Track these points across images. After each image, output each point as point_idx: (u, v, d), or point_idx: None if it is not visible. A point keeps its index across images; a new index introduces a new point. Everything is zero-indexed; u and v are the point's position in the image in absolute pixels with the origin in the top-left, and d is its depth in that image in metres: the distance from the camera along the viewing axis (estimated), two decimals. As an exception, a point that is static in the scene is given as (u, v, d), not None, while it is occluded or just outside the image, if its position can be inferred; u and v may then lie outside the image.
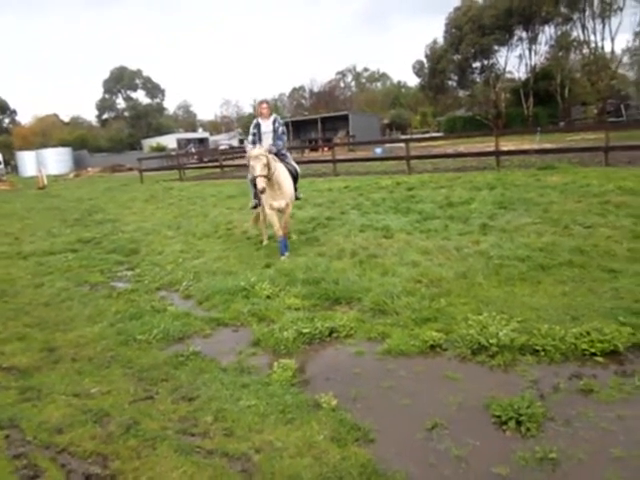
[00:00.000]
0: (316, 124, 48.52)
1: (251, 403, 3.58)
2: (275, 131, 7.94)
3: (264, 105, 8.05)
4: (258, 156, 6.98)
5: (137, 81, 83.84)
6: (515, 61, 79.94)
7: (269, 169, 7.14)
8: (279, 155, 7.83)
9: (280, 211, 7.67)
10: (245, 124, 65.74)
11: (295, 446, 3.07)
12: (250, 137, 8.06)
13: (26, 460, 3.13)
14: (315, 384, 3.91)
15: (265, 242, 8.57)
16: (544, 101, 47.31)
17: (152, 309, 5.84)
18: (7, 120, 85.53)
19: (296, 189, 8.27)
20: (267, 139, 7.91)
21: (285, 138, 8.15)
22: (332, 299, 5.58)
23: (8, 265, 9.06)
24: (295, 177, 8.11)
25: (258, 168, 6.96)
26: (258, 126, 8.01)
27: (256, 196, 7.98)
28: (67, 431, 3.41)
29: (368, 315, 5.12)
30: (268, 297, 5.81)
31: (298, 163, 8.77)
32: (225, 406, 3.57)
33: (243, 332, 5.09)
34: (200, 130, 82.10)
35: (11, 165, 60.19)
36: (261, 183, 6.97)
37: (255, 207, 8.18)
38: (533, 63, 49.35)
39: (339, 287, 5.76)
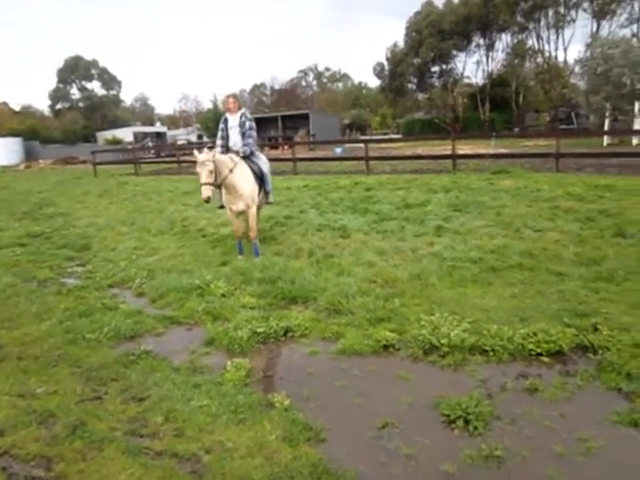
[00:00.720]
0: (277, 122, 48.31)
1: (203, 403, 3.54)
2: (241, 126, 7.53)
3: (231, 100, 7.67)
4: (204, 162, 6.60)
5: (93, 71, 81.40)
6: (473, 67, 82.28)
7: (216, 176, 6.75)
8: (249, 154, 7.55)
9: (241, 214, 7.44)
10: (203, 120, 64.77)
11: (246, 446, 3.05)
12: (219, 132, 7.76)
13: (-36, 464, 3.00)
14: (269, 384, 3.90)
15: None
16: (500, 107, 48.65)
17: (103, 306, 5.69)
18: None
19: (267, 191, 7.89)
20: (234, 134, 7.62)
21: (254, 134, 7.63)
22: (288, 298, 5.57)
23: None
24: (261, 177, 7.64)
25: (203, 176, 6.58)
26: (226, 121, 7.69)
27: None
28: (10, 433, 3.28)
29: (323, 315, 5.15)
30: (223, 295, 5.76)
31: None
32: (176, 406, 3.52)
33: (197, 331, 5.03)
34: (158, 124, 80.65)
35: (-44, 154, 57.47)
36: (206, 192, 6.56)
37: (222, 207, 7.68)
38: (490, 69, 50.81)
39: (295, 286, 5.75)
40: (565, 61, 45.06)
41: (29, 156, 52.64)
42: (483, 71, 51.37)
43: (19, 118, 74.81)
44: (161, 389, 3.79)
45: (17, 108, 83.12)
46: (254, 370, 4.10)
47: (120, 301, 5.96)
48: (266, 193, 7.90)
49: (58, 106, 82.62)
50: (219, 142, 7.70)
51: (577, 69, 35.83)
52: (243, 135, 7.55)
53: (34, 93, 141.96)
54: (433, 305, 5.06)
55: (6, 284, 6.88)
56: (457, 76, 52.43)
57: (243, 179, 7.19)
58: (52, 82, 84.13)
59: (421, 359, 4.16)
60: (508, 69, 49.26)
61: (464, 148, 22.91)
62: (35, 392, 3.86)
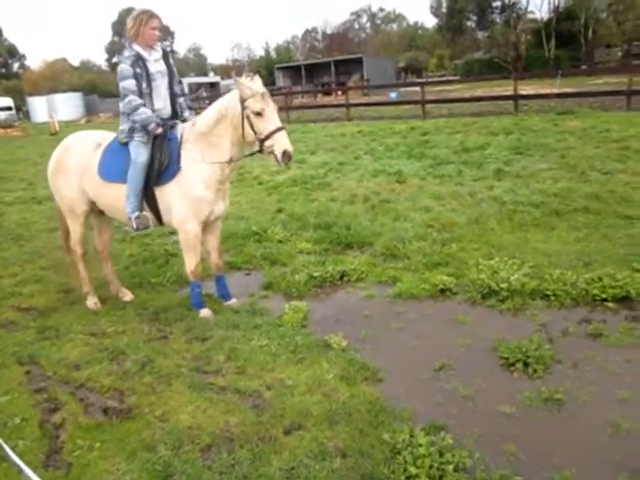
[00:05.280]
0: (329, 68, 47.38)
1: (262, 343, 3.65)
2: (171, 73, 4.25)
3: (155, 22, 4.03)
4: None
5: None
6: (538, 0, 76.97)
7: None
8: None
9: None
10: (256, 68, 64.16)
11: (305, 384, 3.14)
12: (129, 82, 3.92)
13: (46, 394, 3.25)
14: (325, 326, 3.96)
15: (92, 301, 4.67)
16: (567, 43, 45.45)
17: (165, 252, 5.89)
18: (16, 65, 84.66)
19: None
20: (160, 88, 4.15)
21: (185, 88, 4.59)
22: (344, 244, 5.59)
23: (23, 210, 9.14)
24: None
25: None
26: (142, 62, 4.01)
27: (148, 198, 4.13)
28: (85, 368, 3.52)
29: (379, 259, 5.15)
30: (280, 241, 5.84)
31: (310, 108, 8.23)
32: (237, 346, 3.64)
33: (255, 275, 5.15)
34: (211, 74, 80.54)
35: (22, 111, 59.80)
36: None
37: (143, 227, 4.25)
38: (557, 2, 47.26)
39: (351, 232, 5.76)
40: (642, -11, 41.40)
41: (89, 110, 54.16)
42: (549, 4, 48.01)
43: (78, 73, 76.90)
44: (222, 330, 3.93)
45: (76, 63, 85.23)
46: (311, 312, 4.18)
47: (181, 247, 6.14)
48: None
49: (114, 59, 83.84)
50: (140, 102, 3.95)
51: (655, -3, 32.99)
52: (172, 89, 4.26)
53: (91, 48, 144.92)
54: (492, 249, 4.95)
55: (75, 232, 7.20)
56: (521, 11, 49.16)
57: None
58: (108, 36, 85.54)
59: (479, 303, 4.11)
60: (577, 1, 45.76)
61: (527, 88, 21.72)
62: (106, 331, 4.10)
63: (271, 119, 3.73)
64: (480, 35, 54.68)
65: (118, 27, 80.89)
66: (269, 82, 55.63)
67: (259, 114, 3.70)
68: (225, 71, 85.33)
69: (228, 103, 3.88)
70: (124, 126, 4.06)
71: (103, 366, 3.51)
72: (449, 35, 55.99)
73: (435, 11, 58.36)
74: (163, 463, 2.53)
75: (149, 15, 4.02)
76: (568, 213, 5.83)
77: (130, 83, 3.92)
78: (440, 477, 2.32)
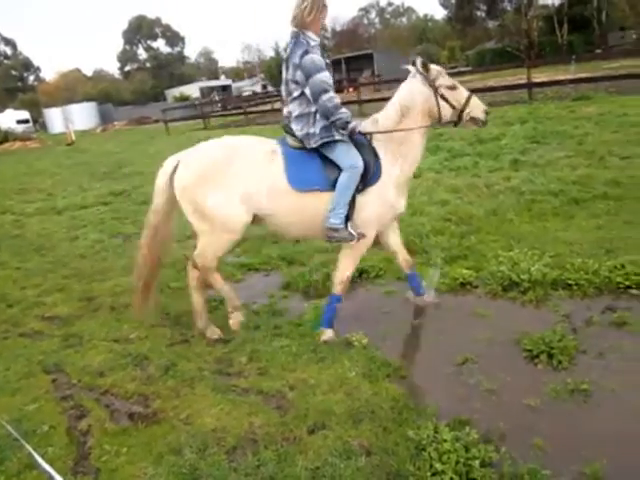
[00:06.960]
0: (340, 65, 47.20)
1: (284, 343, 3.66)
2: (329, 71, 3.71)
3: (326, 13, 3.65)
4: None
5: (157, 30, 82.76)
6: (548, -14, 75.76)
7: None
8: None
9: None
10: (267, 69, 64.30)
11: (327, 383, 3.14)
12: (328, 75, 3.54)
13: (73, 401, 3.29)
14: (346, 324, 3.94)
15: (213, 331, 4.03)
16: (579, 28, 44.70)
17: (185, 257, 5.92)
18: (32, 77, 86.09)
19: None
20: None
21: None
22: (361, 241, 5.56)
23: (44, 220, 9.29)
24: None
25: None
26: (326, 54, 3.73)
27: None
28: (109, 374, 3.56)
29: (397, 255, 5.11)
30: (297, 241, 5.84)
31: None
32: (259, 347, 3.66)
33: (274, 276, 5.16)
34: (222, 77, 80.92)
35: (39, 123, 60.82)
36: None
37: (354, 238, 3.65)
38: (568, -13, 46.45)
39: (367, 229, 5.73)
40: (656, -31, 40.49)
41: (104, 119, 54.82)
42: (560, -11, 47.17)
43: (92, 83, 77.86)
44: (243, 331, 3.94)
45: (89, 73, 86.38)
46: (331, 311, 4.16)
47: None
48: None
49: (127, 68, 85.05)
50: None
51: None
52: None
53: (104, 57, 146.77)
54: (511, 241, 4.89)
55: (94, 240, 7.32)
56: (531, -3, 48.46)
57: None
58: (119, 44, 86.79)
59: (500, 295, 4.07)
60: (589, -16, 44.97)
61: (540, 76, 21.42)
62: (128, 337, 4.15)
63: (461, 88, 3.73)
64: (491, 24, 53.97)
65: (129, 35, 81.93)
66: (280, 82, 55.77)
67: (453, 87, 3.68)
68: (236, 74, 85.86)
69: (411, 94, 3.71)
70: (313, 129, 3.57)
71: (127, 372, 3.55)
72: (459, 26, 55.43)
73: (444, 2, 57.67)
74: (189, 466, 2.55)
75: (324, 3, 3.57)
76: (588, 200, 5.74)
77: (328, 76, 3.49)
78: (467, 473, 2.30)
